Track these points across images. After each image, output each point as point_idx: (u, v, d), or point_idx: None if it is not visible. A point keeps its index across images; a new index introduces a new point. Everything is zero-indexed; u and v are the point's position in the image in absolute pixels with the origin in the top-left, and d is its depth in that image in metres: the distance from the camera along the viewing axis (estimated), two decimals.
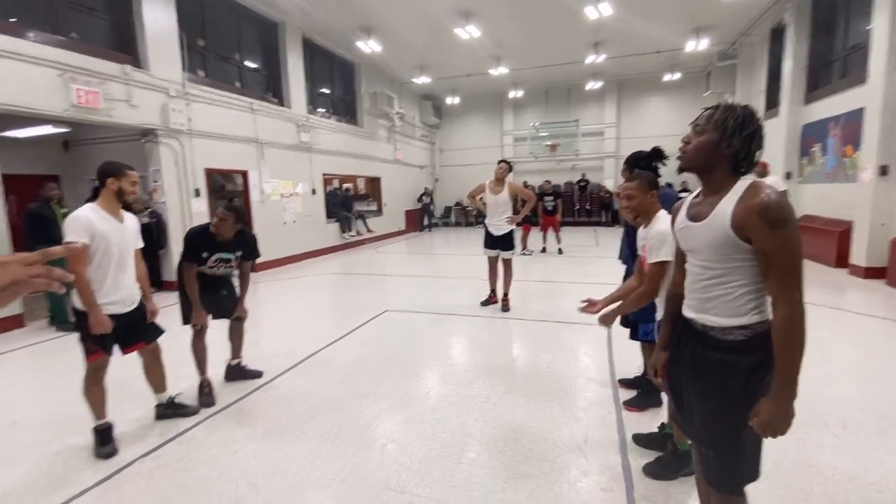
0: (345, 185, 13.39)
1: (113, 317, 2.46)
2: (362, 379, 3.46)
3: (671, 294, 1.63)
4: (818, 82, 8.43)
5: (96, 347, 2.48)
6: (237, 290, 3.38)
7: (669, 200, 2.50)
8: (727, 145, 1.30)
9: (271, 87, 9.24)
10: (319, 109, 10.69)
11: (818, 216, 7.85)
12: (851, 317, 4.75)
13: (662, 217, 2.15)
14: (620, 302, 2.18)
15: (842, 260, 6.84)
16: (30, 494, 2.20)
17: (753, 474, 1.41)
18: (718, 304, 1.34)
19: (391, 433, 2.68)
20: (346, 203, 11.85)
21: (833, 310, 4.98)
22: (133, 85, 6.05)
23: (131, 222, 2.64)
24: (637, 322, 2.55)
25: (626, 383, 3.19)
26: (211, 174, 7.55)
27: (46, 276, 0.72)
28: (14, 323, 4.96)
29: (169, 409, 2.89)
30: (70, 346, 4.45)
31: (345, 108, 11.89)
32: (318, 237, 10.29)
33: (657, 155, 2.52)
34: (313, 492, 2.16)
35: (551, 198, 9.56)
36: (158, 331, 2.79)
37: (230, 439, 2.66)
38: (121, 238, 2.51)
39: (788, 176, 8.97)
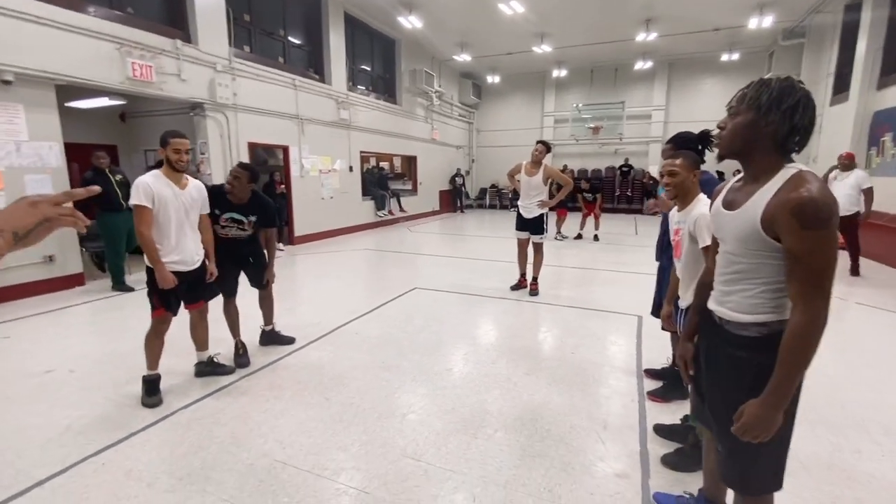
0: (380, 164, 13.53)
1: (176, 274, 2.67)
2: (388, 352, 3.55)
3: (702, 283, 1.57)
4: (895, 65, 7.68)
5: (159, 304, 2.71)
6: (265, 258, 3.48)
7: (712, 185, 2.39)
8: (765, 123, 1.17)
9: (313, 64, 9.36)
10: (359, 87, 10.76)
11: (885, 213, 7.24)
12: None
13: (703, 201, 2.05)
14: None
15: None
16: (85, 433, 2.43)
17: (771, 481, 1.34)
18: (738, 298, 1.28)
19: (412, 404, 2.76)
20: (381, 181, 11.98)
21: (892, 313, 4.64)
22: (183, 59, 6.28)
23: (194, 190, 2.79)
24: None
25: (652, 374, 3.12)
26: (254, 148, 7.80)
27: (72, 215, 0.80)
28: (75, 281, 5.38)
29: (208, 367, 3.10)
30: (124, 304, 4.82)
31: (384, 86, 11.91)
32: (353, 214, 10.50)
33: (705, 138, 2.41)
34: (335, 452, 2.27)
35: (590, 194, 9.37)
36: (215, 291, 3.02)
37: (261, 399, 2.82)
38: (178, 203, 2.68)
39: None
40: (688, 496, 1.84)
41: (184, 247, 2.74)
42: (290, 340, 3.68)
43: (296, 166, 8.65)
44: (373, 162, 13.06)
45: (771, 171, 1.20)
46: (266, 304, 3.58)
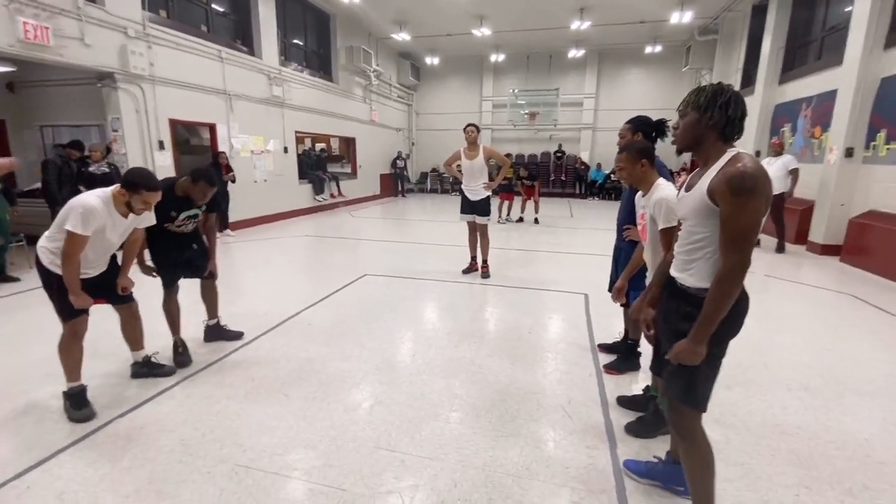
0: (318, 146, 12.91)
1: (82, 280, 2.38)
2: (345, 341, 3.42)
3: (667, 259, 1.75)
4: (794, 62, 8.60)
5: (66, 308, 2.36)
6: (206, 244, 3.20)
7: (661, 170, 2.52)
8: (707, 118, 1.41)
9: (240, 35, 8.61)
10: (292, 63, 10.09)
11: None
12: (809, 289, 5.04)
13: (662, 185, 2.14)
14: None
15: (801, 237, 7.19)
16: None
17: (702, 398, 1.54)
18: (696, 266, 1.48)
19: (378, 394, 2.68)
20: (319, 164, 11.44)
21: (792, 282, 5.27)
22: (87, 21, 5.47)
23: (135, 219, 2.48)
24: (630, 291, 2.60)
25: (605, 348, 3.29)
26: (176, 126, 7.05)
27: None
28: None
29: (144, 368, 2.79)
30: (29, 303, 4.19)
31: (319, 63, 11.28)
32: (290, 198, 9.95)
33: (659, 126, 2.53)
34: (303, 451, 2.15)
35: (530, 181, 9.68)
36: (126, 298, 2.67)
37: (211, 400, 2.59)
38: (115, 231, 2.41)
39: (758, 154, 9.26)
40: (656, 460, 1.96)
41: (99, 265, 2.51)
42: (237, 336, 3.41)
43: (225, 146, 7.98)
44: (309, 143, 12.41)
45: (717, 155, 1.43)
46: (209, 294, 3.29)
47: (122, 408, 2.49)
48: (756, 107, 9.19)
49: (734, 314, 1.41)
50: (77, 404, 2.39)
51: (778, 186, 6.54)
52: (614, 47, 14.29)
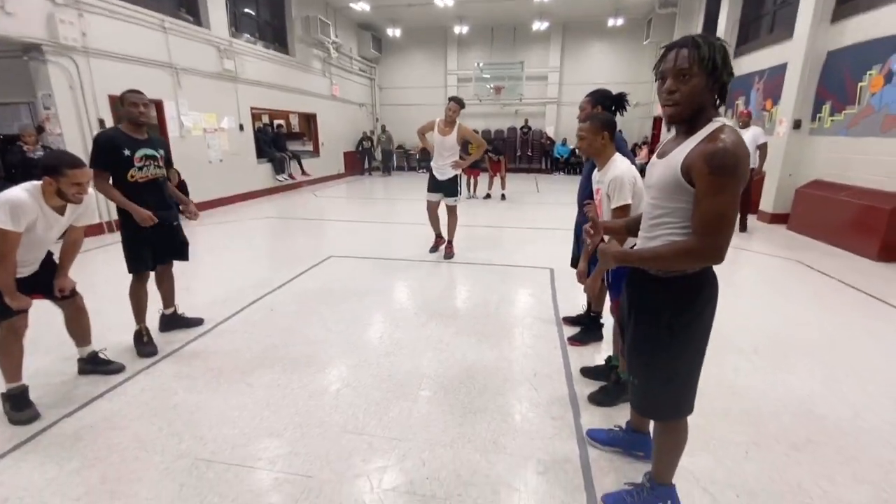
0: (276, 122, 12.36)
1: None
2: (310, 326, 3.34)
3: (632, 218, 1.71)
4: (748, 36, 8.80)
5: (2, 308, 2.16)
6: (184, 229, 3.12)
7: (619, 143, 2.50)
8: (713, 81, 1.22)
9: (185, 3, 8.00)
10: (244, 34, 9.51)
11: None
12: (757, 256, 5.30)
13: (618, 161, 2.15)
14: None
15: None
16: None
17: (673, 409, 1.49)
18: (657, 244, 1.36)
19: (345, 377, 2.64)
20: (277, 142, 10.97)
21: (744, 251, 5.53)
22: None
23: (72, 211, 2.29)
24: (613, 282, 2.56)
25: (569, 321, 3.36)
26: (116, 102, 6.54)
27: None
28: None
29: (89, 365, 2.62)
30: None
31: (273, 34, 10.67)
32: (248, 179, 9.54)
33: (620, 101, 2.51)
34: (267, 440, 2.09)
35: (496, 156, 9.75)
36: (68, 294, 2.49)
37: (168, 392, 2.48)
38: (49, 228, 2.23)
39: None
40: (617, 428, 2.02)
41: (33, 262, 2.33)
42: (197, 322, 3.28)
43: (173, 124, 7.50)
44: (266, 120, 11.86)
45: (703, 124, 1.25)
46: (167, 281, 3.13)
47: (68, 407, 2.34)
48: None
49: (696, 300, 1.33)
50: (18, 406, 2.23)
51: None
52: (578, 20, 14.21)
